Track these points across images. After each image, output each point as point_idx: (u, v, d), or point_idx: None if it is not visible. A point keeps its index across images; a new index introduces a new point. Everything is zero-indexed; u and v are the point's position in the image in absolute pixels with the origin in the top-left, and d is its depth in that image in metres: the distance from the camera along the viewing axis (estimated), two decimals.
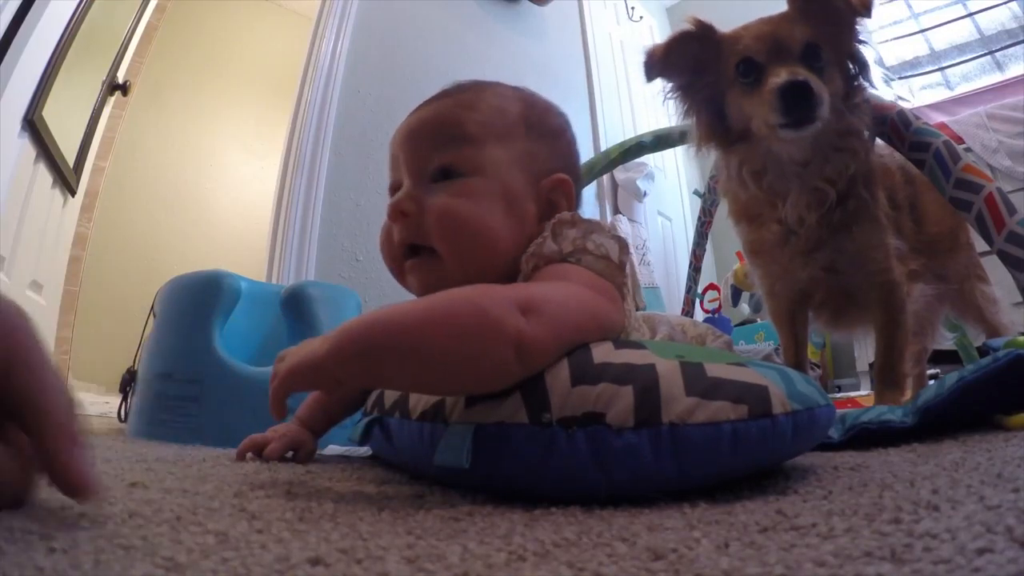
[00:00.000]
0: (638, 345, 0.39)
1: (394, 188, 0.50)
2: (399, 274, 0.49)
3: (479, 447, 0.37)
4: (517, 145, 0.49)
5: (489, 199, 0.46)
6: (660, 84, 0.87)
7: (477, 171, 0.47)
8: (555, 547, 0.25)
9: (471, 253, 0.46)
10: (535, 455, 0.35)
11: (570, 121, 0.56)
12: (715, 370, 0.36)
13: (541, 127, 0.51)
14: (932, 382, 0.68)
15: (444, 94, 0.51)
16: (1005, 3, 2.65)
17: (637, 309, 0.55)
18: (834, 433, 0.62)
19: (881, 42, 3.03)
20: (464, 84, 0.52)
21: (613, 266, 0.46)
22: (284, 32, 3.35)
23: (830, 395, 1.01)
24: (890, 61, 3.00)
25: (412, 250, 0.48)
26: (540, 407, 0.36)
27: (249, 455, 0.59)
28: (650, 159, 2.81)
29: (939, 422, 0.61)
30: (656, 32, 3.55)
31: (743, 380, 0.36)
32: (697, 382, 0.35)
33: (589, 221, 0.48)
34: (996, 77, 2.65)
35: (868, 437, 0.62)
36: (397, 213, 0.47)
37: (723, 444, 0.34)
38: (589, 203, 2.59)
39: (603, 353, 0.38)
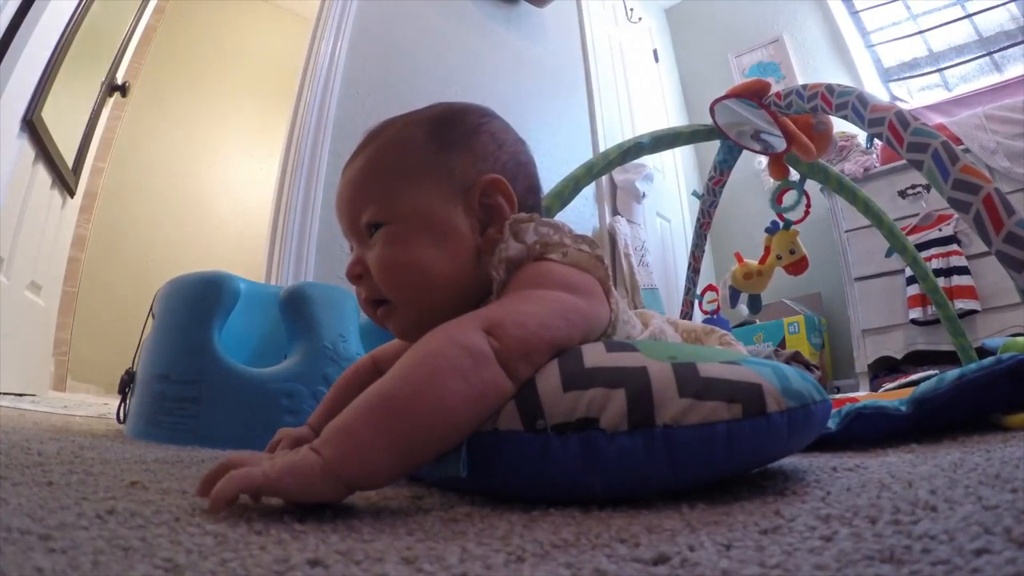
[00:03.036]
0: (630, 347, 0.39)
1: (352, 248, 0.53)
2: (379, 323, 0.52)
3: (475, 455, 0.37)
4: (429, 170, 0.50)
5: (411, 237, 0.48)
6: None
7: (395, 216, 0.48)
8: (554, 548, 0.25)
9: (414, 293, 0.48)
10: (531, 462, 0.35)
11: (494, 113, 0.55)
12: (708, 370, 0.36)
13: (453, 136, 0.52)
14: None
15: (359, 149, 0.53)
16: (1004, 4, 2.66)
17: (635, 309, 0.55)
18: (831, 424, 0.62)
19: (880, 43, 3.04)
20: (373, 130, 0.53)
21: (594, 259, 0.47)
22: (283, 33, 3.35)
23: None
24: (888, 62, 3.01)
25: (378, 302, 0.50)
26: (534, 414, 0.36)
27: None
28: (649, 160, 2.81)
29: (937, 419, 0.61)
30: (655, 33, 3.55)
31: (737, 379, 0.36)
32: (690, 383, 0.35)
33: (547, 220, 0.49)
34: (995, 78, 2.65)
35: (866, 437, 0.62)
36: (352, 277, 0.51)
37: (718, 445, 0.34)
38: (588, 204, 2.59)
39: (594, 356, 0.38)
